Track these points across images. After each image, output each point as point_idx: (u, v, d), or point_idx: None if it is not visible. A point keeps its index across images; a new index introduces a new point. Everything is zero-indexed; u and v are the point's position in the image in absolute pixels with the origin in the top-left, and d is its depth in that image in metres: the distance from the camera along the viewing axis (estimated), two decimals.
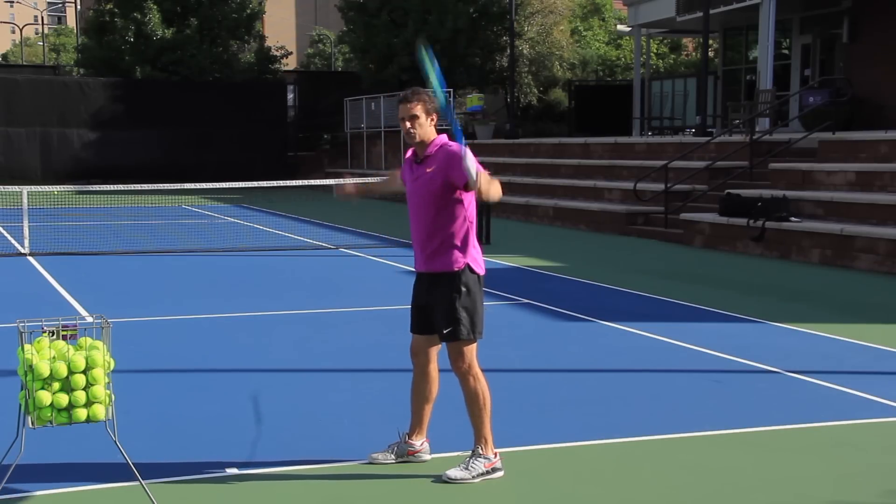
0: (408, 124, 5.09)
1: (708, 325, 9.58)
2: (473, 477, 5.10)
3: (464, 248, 5.12)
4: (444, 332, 5.09)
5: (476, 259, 5.18)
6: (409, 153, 5.29)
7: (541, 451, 5.64)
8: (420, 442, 5.39)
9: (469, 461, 5.14)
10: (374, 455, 5.36)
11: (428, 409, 5.37)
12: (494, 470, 5.18)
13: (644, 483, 5.15)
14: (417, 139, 5.11)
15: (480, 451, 5.17)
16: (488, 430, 5.18)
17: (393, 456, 5.34)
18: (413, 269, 5.42)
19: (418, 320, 5.27)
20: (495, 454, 5.21)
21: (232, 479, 5.16)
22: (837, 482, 5.16)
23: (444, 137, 5.18)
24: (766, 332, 9.27)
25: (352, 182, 5.86)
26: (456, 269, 5.10)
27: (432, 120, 5.15)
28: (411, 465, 5.33)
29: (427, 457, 5.40)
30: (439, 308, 5.11)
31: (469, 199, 5.13)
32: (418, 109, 5.09)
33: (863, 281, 12.68)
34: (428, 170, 5.10)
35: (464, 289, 5.10)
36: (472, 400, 5.15)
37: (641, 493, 5.01)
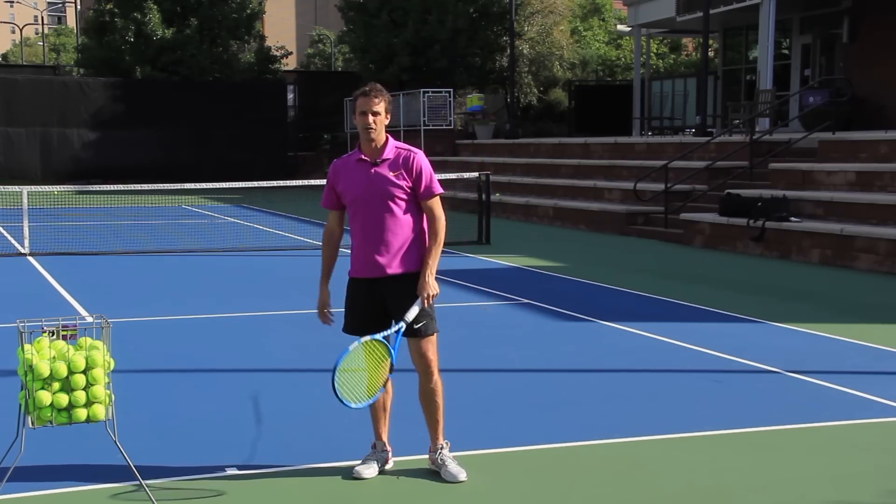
0: (370, 119, 5.01)
1: (708, 325, 9.58)
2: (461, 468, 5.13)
3: (424, 246, 5.14)
4: (417, 326, 5.05)
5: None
6: (353, 156, 5.16)
7: (541, 451, 5.64)
8: (388, 447, 5.31)
9: (448, 455, 5.14)
10: (359, 471, 5.18)
11: (388, 411, 5.32)
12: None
13: (644, 483, 5.14)
14: (376, 134, 5.04)
15: (443, 445, 5.18)
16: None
17: (377, 467, 5.20)
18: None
19: (373, 322, 5.12)
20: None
21: (232, 479, 5.16)
22: (837, 482, 5.16)
23: (392, 139, 5.15)
24: (766, 332, 9.27)
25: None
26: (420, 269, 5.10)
27: (387, 118, 5.09)
28: (410, 465, 5.33)
29: (392, 462, 5.31)
30: (405, 306, 5.04)
31: None
32: (381, 106, 5.04)
33: (863, 281, 12.68)
34: (391, 173, 5.05)
35: None
36: (436, 393, 5.15)
37: (641, 493, 5.01)
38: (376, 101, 5.02)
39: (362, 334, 5.04)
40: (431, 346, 5.12)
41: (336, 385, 4.66)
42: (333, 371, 4.66)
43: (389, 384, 5.15)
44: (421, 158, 5.12)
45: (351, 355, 4.77)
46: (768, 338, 8.96)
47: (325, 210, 5.33)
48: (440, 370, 5.20)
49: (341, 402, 4.69)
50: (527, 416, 6.38)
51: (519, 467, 5.37)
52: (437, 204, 5.14)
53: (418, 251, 5.11)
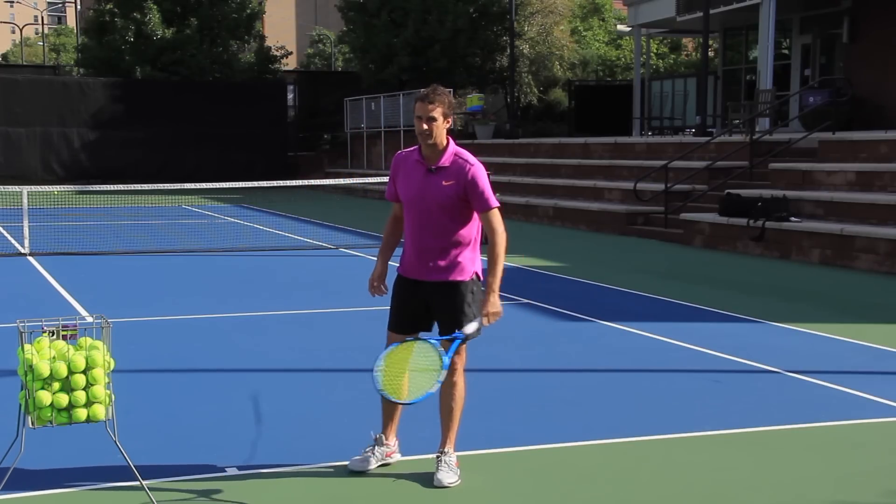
0: (424, 126, 4.97)
1: (708, 325, 9.58)
2: (458, 476, 5.10)
3: (474, 259, 5.12)
4: (457, 332, 5.04)
5: (481, 265, 5.19)
6: (413, 153, 5.13)
7: (541, 451, 5.64)
8: (394, 442, 5.34)
9: (448, 462, 5.11)
10: (355, 465, 5.20)
11: (399, 408, 5.30)
12: (458, 466, 5.17)
13: (644, 483, 5.15)
14: (432, 141, 4.99)
15: (450, 451, 5.16)
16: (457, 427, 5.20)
17: (374, 461, 5.22)
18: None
19: (410, 322, 5.18)
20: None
21: (232, 479, 5.16)
22: (837, 482, 5.16)
23: (452, 142, 5.10)
24: (766, 332, 9.27)
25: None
26: (468, 279, 5.07)
27: (448, 122, 5.04)
28: (409, 465, 5.32)
29: (398, 456, 5.33)
30: (449, 312, 5.06)
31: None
32: (437, 112, 4.96)
33: (863, 281, 12.68)
34: (445, 182, 4.99)
35: (475, 292, 5.11)
36: (457, 397, 5.13)
37: (641, 493, 5.01)
38: (431, 106, 4.96)
39: (404, 332, 5.12)
40: (460, 352, 5.11)
41: (377, 373, 4.68)
42: (378, 359, 4.73)
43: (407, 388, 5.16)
44: (476, 171, 5.02)
45: (399, 350, 4.81)
46: (768, 338, 8.96)
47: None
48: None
49: (381, 392, 4.68)
50: (527, 416, 6.38)
51: (519, 467, 5.37)
52: (495, 217, 5.05)
53: (464, 261, 5.07)
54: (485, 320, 5.00)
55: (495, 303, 5.00)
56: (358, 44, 36.75)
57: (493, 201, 5.06)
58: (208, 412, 6.43)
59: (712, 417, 6.32)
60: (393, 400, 4.73)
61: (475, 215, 5.11)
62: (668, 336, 8.94)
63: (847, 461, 5.54)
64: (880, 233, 13.49)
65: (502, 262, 5.05)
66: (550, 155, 25.97)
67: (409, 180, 5.12)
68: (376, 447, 5.25)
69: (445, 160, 5.03)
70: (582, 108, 32.98)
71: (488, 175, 5.20)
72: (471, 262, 5.10)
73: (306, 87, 40.46)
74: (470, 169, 5.01)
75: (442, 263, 5.06)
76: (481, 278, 5.17)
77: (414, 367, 4.82)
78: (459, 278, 5.06)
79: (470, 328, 4.98)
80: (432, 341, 4.89)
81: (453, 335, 4.98)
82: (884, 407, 6.59)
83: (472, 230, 5.11)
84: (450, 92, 5.19)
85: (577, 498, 4.97)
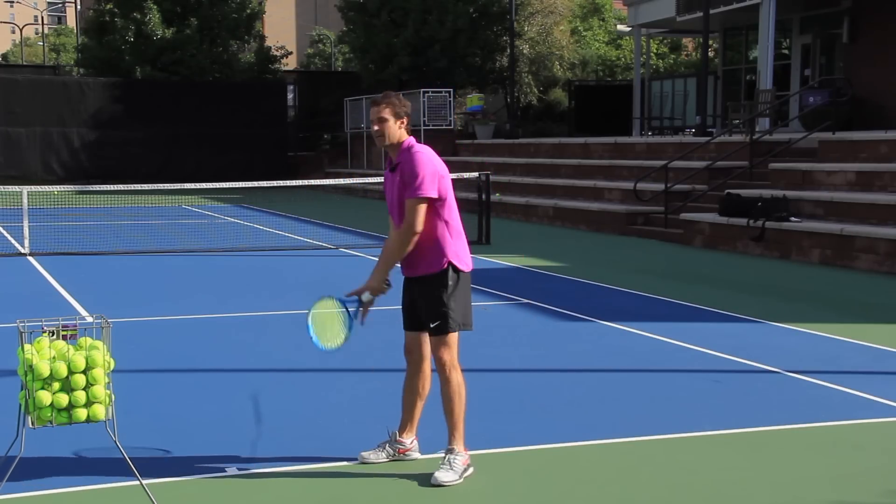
0: (375, 127, 5.15)
1: (708, 325, 9.58)
2: (460, 476, 5.09)
3: (444, 249, 5.14)
4: (432, 325, 5.12)
5: (459, 256, 5.20)
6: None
7: (541, 451, 5.64)
8: (410, 440, 5.40)
9: (451, 460, 5.12)
10: (365, 454, 5.36)
11: (419, 407, 5.38)
12: (469, 466, 5.17)
13: (644, 483, 5.15)
14: (386, 142, 5.15)
15: (456, 448, 5.17)
16: (463, 424, 5.20)
17: (384, 455, 5.35)
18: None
19: (409, 318, 5.30)
20: (465, 449, 5.21)
21: (232, 478, 5.16)
22: (837, 482, 5.16)
23: (411, 140, 5.20)
24: (766, 332, 9.27)
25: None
26: (438, 271, 5.13)
27: (402, 123, 5.15)
28: (410, 464, 5.33)
29: (417, 455, 5.41)
30: (426, 305, 5.14)
31: (443, 201, 5.12)
32: (387, 112, 5.13)
33: (863, 281, 12.68)
34: (398, 178, 5.13)
35: (449, 284, 5.13)
36: (452, 394, 5.15)
37: (641, 493, 5.01)
38: (378, 108, 5.14)
39: (411, 329, 5.28)
40: (444, 346, 5.13)
41: (310, 326, 5.16)
42: (308, 319, 5.18)
43: (424, 388, 5.30)
44: (413, 156, 5.09)
45: (319, 305, 5.23)
46: (768, 338, 8.96)
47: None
48: (463, 372, 5.21)
49: (316, 343, 5.18)
50: (527, 416, 6.38)
51: (519, 467, 5.37)
52: (414, 208, 5.03)
53: (434, 253, 5.13)
54: (366, 294, 5.20)
55: (373, 278, 5.18)
56: (358, 44, 36.74)
57: (424, 191, 5.02)
58: (208, 412, 6.43)
59: (712, 417, 6.32)
60: (323, 348, 5.18)
61: (436, 211, 5.11)
62: (668, 336, 8.94)
63: (847, 461, 5.54)
64: (880, 233, 13.49)
65: (395, 257, 5.15)
66: (550, 155, 25.98)
67: (384, 186, 5.35)
68: (388, 444, 5.36)
69: (399, 157, 5.17)
70: (582, 108, 32.96)
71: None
72: (441, 253, 5.13)
73: (306, 87, 40.45)
74: (408, 156, 5.12)
75: (415, 259, 5.17)
76: (460, 269, 5.17)
77: (332, 321, 5.21)
78: (430, 271, 5.14)
79: (365, 297, 5.21)
80: (347, 305, 5.20)
81: (352, 298, 5.26)
82: (884, 407, 6.59)
83: (435, 224, 5.12)
84: (402, 95, 5.37)
85: (577, 498, 4.97)
